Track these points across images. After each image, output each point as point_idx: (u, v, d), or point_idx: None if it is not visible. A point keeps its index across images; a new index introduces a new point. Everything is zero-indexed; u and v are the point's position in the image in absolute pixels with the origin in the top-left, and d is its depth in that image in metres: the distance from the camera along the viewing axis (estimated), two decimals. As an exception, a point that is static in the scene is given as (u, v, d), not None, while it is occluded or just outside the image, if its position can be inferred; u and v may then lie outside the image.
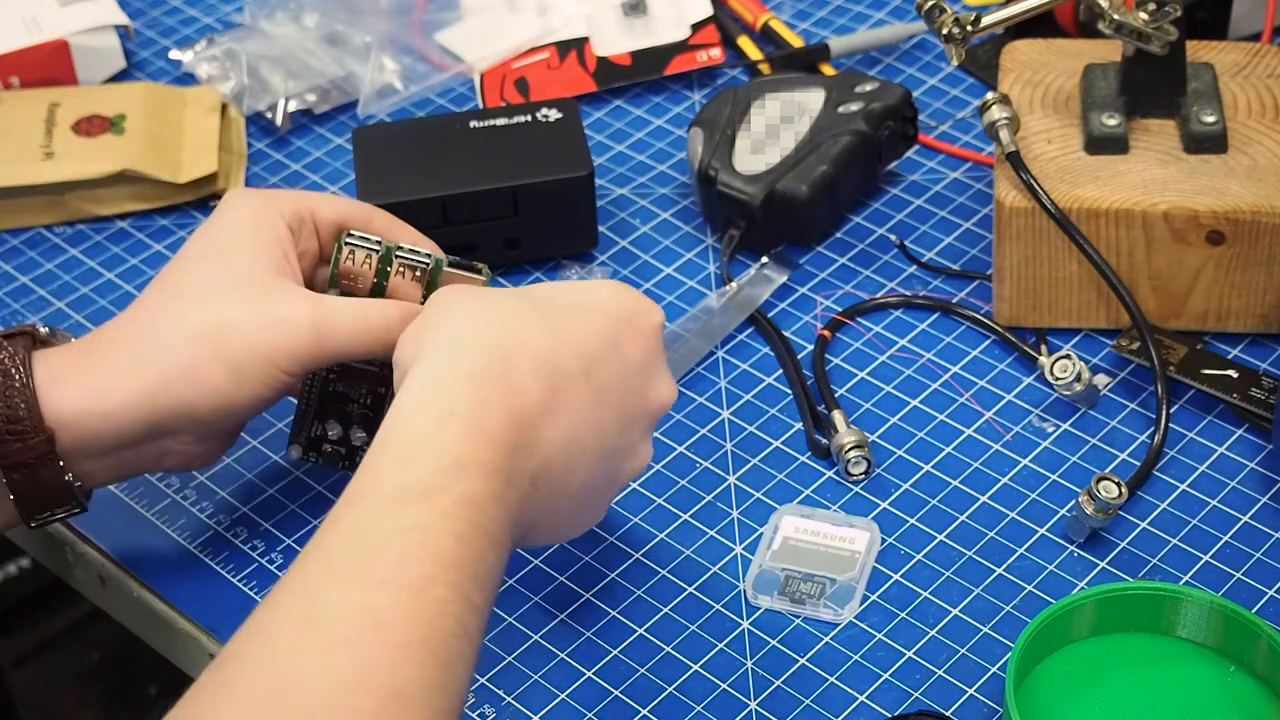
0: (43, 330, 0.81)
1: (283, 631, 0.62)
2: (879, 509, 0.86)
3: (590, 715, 0.78)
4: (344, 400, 0.85)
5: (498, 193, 0.97)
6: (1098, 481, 0.82)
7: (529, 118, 1.01)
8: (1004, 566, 0.83)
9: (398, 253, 0.82)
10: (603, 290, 0.77)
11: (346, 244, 0.81)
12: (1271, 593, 0.81)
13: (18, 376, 0.75)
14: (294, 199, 0.83)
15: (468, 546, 0.65)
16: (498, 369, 0.70)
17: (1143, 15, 0.90)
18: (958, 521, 0.85)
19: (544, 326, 0.73)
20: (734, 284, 0.97)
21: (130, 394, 0.76)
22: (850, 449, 0.87)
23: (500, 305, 0.73)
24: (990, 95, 0.92)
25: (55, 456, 0.76)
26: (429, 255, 0.82)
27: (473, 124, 1.01)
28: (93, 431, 0.76)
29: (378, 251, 0.82)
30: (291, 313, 0.78)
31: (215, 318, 0.77)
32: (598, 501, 0.76)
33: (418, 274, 0.82)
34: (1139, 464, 0.87)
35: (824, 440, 0.89)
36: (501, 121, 1.01)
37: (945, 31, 0.91)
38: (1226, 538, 0.84)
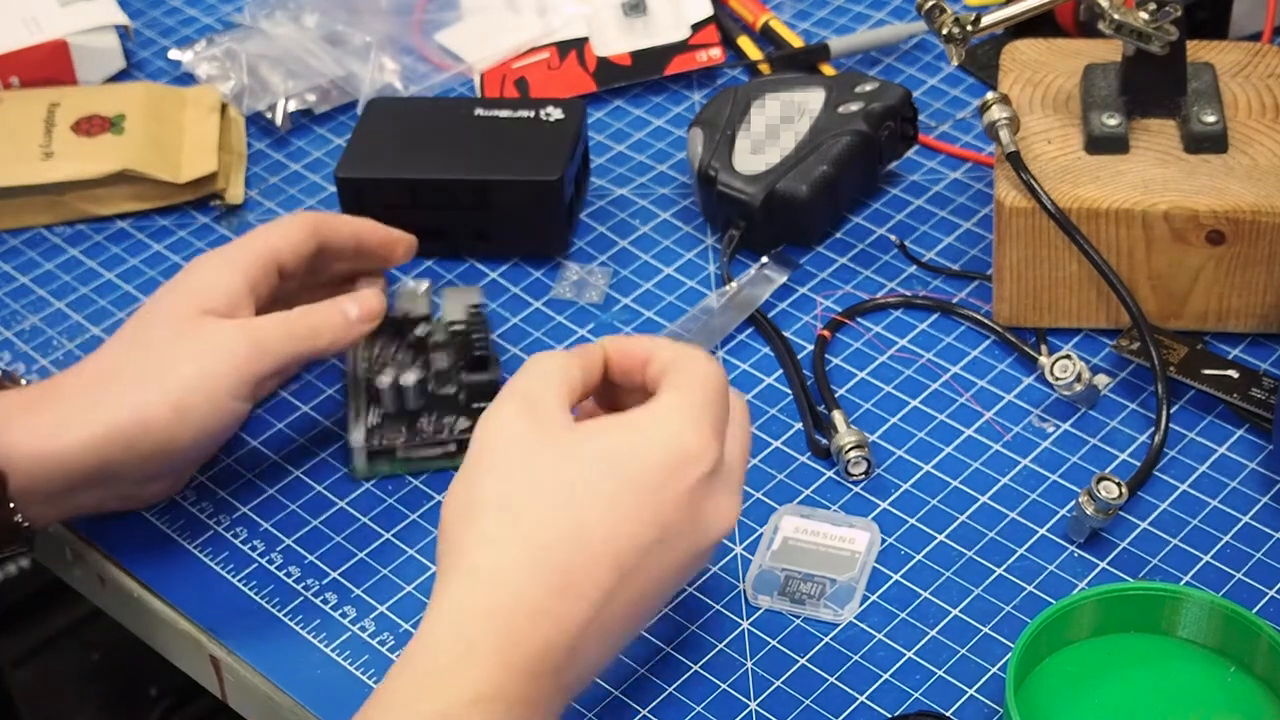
0: None
1: None
2: (879, 509, 0.86)
3: (590, 715, 0.78)
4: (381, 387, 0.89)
5: (467, 184, 0.98)
6: (1098, 482, 0.82)
7: (531, 113, 1.01)
8: (1004, 567, 0.83)
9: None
10: (648, 451, 0.70)
11: None
12: (1272, 593, 0.81)
13: None
14: (259, 256, 0.86)
15: None
16: (525, 596, 0.67)
17: (1143, 15, 0.90)
18: (958, 521, 0.85)
19: (573, 529, 0.69)
20: (734, 284, 0.97)
21: (81, 438, 0.79)
22: (850, 449, 0.87)
23: (524, 506, 0.69)
24: (990, 95, 0.92)
25: (6, 498, 0.77)
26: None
27: (478, 111, 1.02)
28: (44, 474, 0.78)
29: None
30: (226, 337, 0.82)
31: (158, 359, 0.81)
32: None
33: None
34: (1139, 464, 0.87)
35: (824, 440, 0.89)
36: (505, 114, 1.01)
37: (945, 31, 0.91)
38: (1227, 538, 0.84)
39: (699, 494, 0.71)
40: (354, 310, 0.87)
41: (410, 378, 0.88)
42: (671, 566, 0.71)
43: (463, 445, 0.88)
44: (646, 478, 0.70)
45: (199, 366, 0.81)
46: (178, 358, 0.81)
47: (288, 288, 0.89)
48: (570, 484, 0.70)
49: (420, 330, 0.92)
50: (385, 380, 0.88)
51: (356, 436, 0.88)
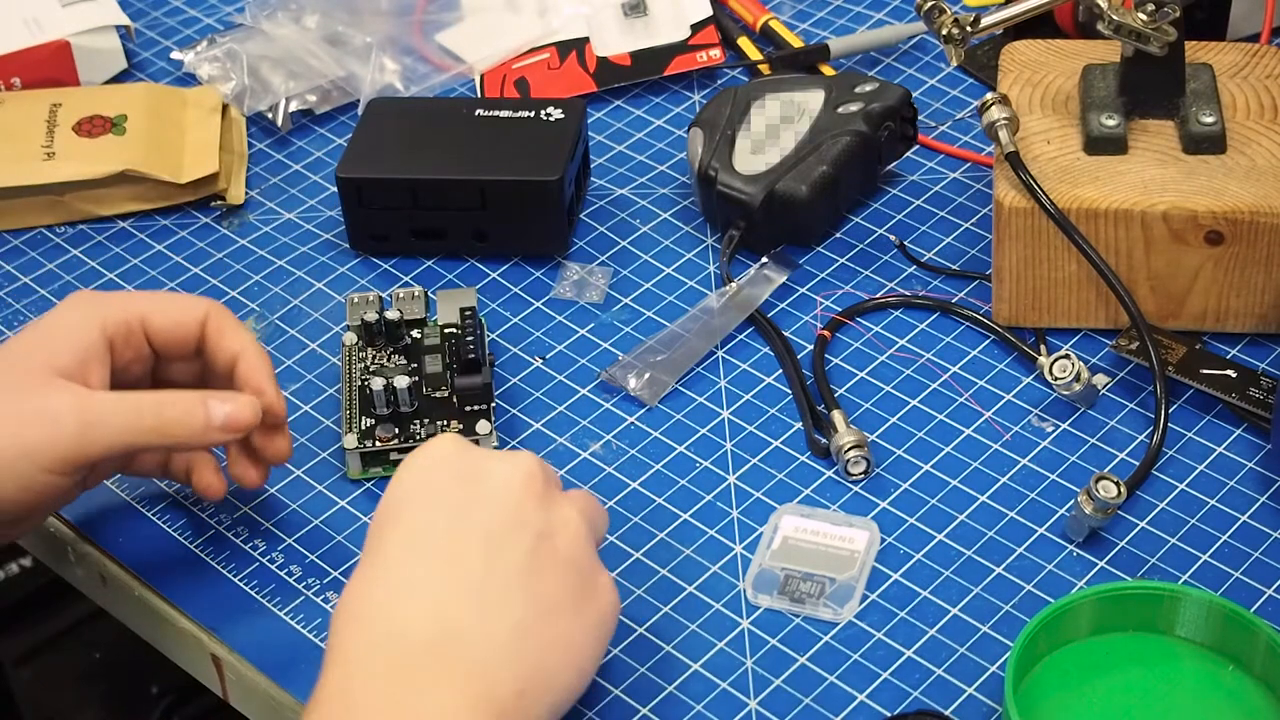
0: None
1: None
2: (878, 509, 0.86)
3: (590, 715, 0.78)
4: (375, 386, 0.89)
5: (466, 184, 0.98)
6: (1097, 481, 0.82)
7: (531, 113, 1.01)
8: (1003, 566, 0.83)
9: None
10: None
11: None
12: (1270, 592, 0.81)
13: None
14: (124, 306, 0.82)
15: None
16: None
17: (1141, 16, 0.90)
18: (957, 521, 0.85)
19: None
20: (734, 284, 0.97)
21: None
22: (850, 449, 0.87)
23: (400, 621, 0.70)
24: (989, 96, 0.92)
25: None
26: None
27: (478, 112, 1.02)
28: None
29: None
30: (54, 406, 0.76)
31: None
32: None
33: None
34: (1138, 463, 0.87)
35: (824, 440, 0.89)
36: (505, 114, 1.02)
37: (945, 32, 0.91)
38: (1225, 537, 0.84)
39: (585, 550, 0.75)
40: (219, 414, 0.79)
41: (403, 381, 0.88)
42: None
43: None
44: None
45: (18, 439, 0.76)
46: (3, 423, 0.76)
47: (179, 368, 0.85)
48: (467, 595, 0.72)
49: (414, 333, 0.93)
50: (378, 383, 0.88)
51: (349, 439, 0.88)
